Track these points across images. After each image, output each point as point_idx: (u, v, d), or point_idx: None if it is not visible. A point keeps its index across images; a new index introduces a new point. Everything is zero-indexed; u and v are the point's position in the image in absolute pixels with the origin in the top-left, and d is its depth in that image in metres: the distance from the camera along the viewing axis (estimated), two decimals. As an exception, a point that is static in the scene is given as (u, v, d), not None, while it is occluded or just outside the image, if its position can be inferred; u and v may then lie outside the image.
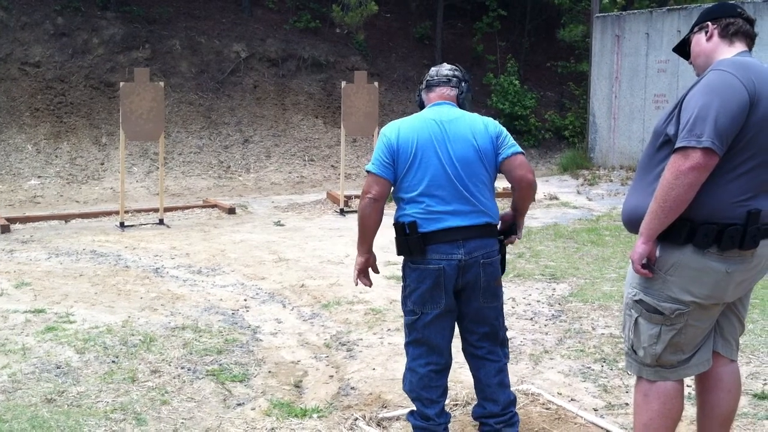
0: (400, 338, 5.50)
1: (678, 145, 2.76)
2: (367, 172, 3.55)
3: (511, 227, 3.70)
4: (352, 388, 4.60)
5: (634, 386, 3.19)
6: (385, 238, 9.39)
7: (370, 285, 3.71)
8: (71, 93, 15.73)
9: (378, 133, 12.31)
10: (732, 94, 2.77)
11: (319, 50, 18.82)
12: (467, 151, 3.48)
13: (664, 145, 2.93)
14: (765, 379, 4.65)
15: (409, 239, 3.46)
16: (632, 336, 3.07)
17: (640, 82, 15.51)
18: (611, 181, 14.79)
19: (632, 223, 3.03)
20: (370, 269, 3.71)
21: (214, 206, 11.91)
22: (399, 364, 4.97)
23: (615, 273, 7.51)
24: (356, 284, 3.71)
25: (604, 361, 5.01)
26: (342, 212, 11.52)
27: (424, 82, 3.70)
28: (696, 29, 3.13)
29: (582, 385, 4.61)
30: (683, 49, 3.25)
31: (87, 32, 16.82)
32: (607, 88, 16.18)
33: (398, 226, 3.53)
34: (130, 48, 16.93)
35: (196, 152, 15.60)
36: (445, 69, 3.70)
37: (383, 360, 5.07)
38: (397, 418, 4.13)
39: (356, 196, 12.66)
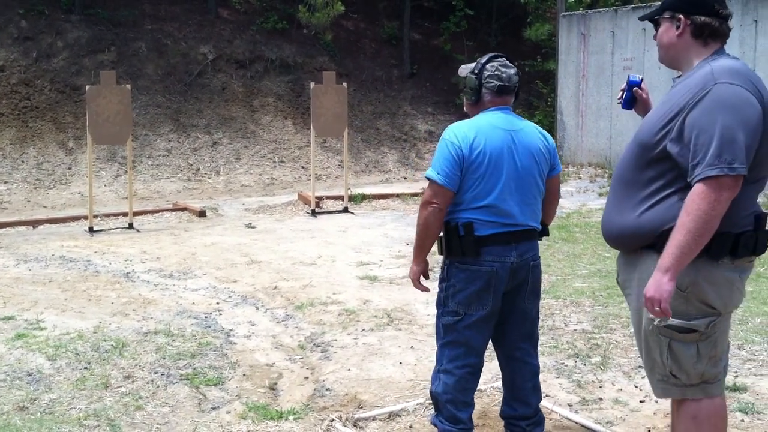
0: (374, 338, 5.51)
1: (709, 173, 2.62)
2: (429, 179, 3.43)
3: None
4: (328, 389, 4.60)
5: (676, 411, 3.03)
6: (357, 239, 9.43)
7: (428, 290, 3.66)
8: (36, 97, 15.54)
9: (347, 133, 12.31)
10: (749, 109, 2.67)
11: (287, 51, 18.76)
12: (530, 162, 3.50)
13: (659, 161, 2.80)
14: (736, 372, 4.72)
15: (463, 241, 3.41)
16: (669, 361, 2.89)
17: (607, 80, 15.64)
18: (580, 178, 14.91)
19: (626, 244, 2.94)
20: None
21: (184, 209, 11.83)
22: (374, 365, 4.97)
23: (586, 269, 7.58)
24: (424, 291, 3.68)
25: (578, 357, 5.05)
26: (313, 213, 11.50)
27: (495, 85, 3.52)
28: (667, 14, 2.94)
29: (556, 381, 4.65)
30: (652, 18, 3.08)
31: (51, 36, 16.64)
32: (574, 87, 16.32)
33: (451, 227, 3.45)
34: (95, 51, 16.76)
35: (165, 155, 15.49)
36: (514, 74, 3.56)
37: (358, 360, 5.07)
38: (374, 418, 4.13)
39: (327, 197, 12.65)
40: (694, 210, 2.64)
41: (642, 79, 3.38)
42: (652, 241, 2.82)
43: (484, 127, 3.47)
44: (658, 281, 2.70)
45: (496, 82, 3.53)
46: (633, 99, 3.34)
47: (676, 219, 2.70)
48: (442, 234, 3.52)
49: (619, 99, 3.41)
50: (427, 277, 3.66)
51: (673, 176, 2.79)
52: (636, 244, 2.90)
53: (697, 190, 2.64)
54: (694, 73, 2.84)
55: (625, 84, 3.38)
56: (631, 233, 2.88)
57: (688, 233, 2.64)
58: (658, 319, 2.84)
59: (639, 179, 2.87)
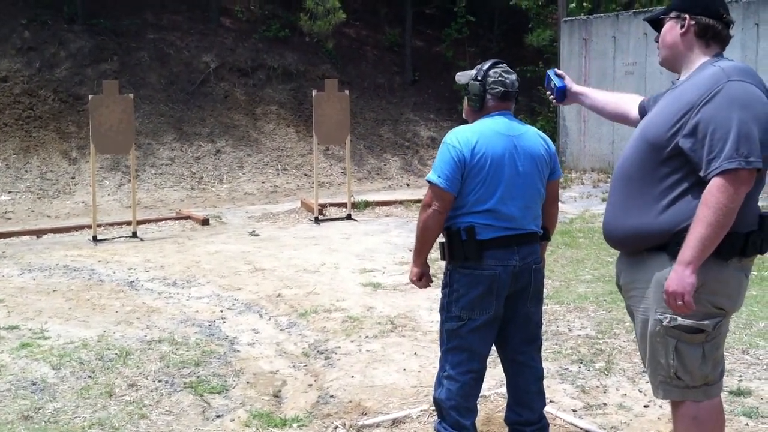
0: (378, 345, 5.51)
1: (728, 166, 2.67)
2: (430, 182, 3.44)
3: None
4: (332, 396, 4.59)
5: (674, 412, 3.03)
6: (360, 246, 9.43)
7: (429, 286, 3.68)
8: (40, 107, 15.59)
9: (350, 140, 12.32)
10: (761, 106, 2.73)
11: (289, 59, 18.81)
12: (532, 167, 3.51)
13: (671, 158, 2.82)
14: (740, 376, 4.71)
15: (465, 245, 3.41)
16: (675, 363, 2.90)
17: (609, 85, 15.64)
18: (583, 183, 14.91)
19: (635, 244, 2.94)
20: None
21: (187, 218, 11.85)
22: (378, 371, 4.97)
23: (589, 275, 7.57)
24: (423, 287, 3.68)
25: (581, 362, 5.04)
26: (317, 220, 11.51)
27: (500, 91, 3.54)
28: (673, 14, 3.00)
29: (560, 387, 4.64)
30: (656, 21, 3.13)
31: (54, 46, 16.69)
32: (577, 92, 16.29)
33: (453, 232, 3.45)
34: (98, 61, 16.82)
35: (168, 164, 15.52)
36: (515, 80, 3.59)
37: (362, 367, 5.07)
38: (377, 425, 4.13)
39: (330, 205, 12.66)
40: (713, 203, 2.68)
41: (555, 70, 3.66)
42: (666, 241, 2.84)
43: (486, 132, 3.47)
44: (680, 275, 2.72)
45: (500, 88, 3.55)
46: (563, 92, 3.59)
47: (691, 218, 2.73)
48: (444, 240, 3.52)
49: (552, 96, 3.63)
50: (429, 281, 3.66)
51: (685, 172, 2.82)
52: (646, 245, 2.91)
53: (717, 183, 2.69)
54: (700, 73, 2.88)
55: (547, 83, 3.64)
56: (647, 233, 2.88)
57: (709, 226, 2.68)
58: (668, 319, 2.85)
59: (650, 177, 2.89)
